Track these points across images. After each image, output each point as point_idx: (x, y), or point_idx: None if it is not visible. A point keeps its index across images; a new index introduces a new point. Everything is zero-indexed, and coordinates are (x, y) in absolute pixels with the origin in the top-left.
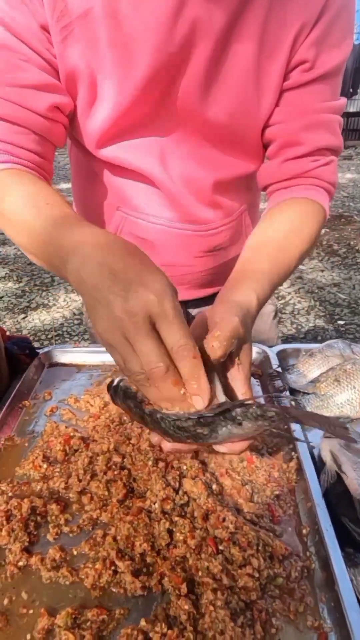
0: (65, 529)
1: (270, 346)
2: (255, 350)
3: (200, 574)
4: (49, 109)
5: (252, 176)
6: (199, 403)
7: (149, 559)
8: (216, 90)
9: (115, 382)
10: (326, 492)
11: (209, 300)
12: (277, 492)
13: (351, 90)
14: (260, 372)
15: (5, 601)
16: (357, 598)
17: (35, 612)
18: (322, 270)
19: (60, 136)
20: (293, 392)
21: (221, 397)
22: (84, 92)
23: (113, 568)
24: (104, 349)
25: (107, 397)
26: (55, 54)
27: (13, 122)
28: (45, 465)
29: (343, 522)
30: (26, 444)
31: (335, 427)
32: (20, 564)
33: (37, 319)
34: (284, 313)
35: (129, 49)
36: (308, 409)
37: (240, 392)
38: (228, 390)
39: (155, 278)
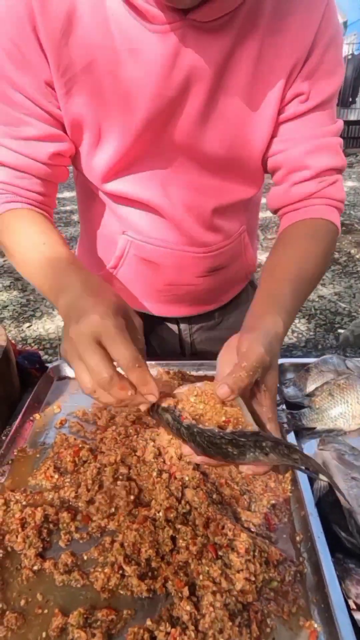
0: (76, 536)
1: None
2: None
3: (201, 577)
4: (51, 157)
5: (251, 199)
6: (152, 398)
7: (153, 564)
8: (212, 125)
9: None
10: (319, 502)
11: (211, 315)
12: (273, 502)
13: (350, 99)
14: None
15: (22, 602)
16: (345, 599)
17: (50, 612)
18: (323, 279)
19: (62, 176)
20: (290, 405)
21: (249, 419)
22: (88, 137)
23: (121, 572)
24: None
25: (114, 410)
26: (60, 105)
27: (16, 168)
28: (56, 476)
29: (334, 529)
30: (38, 455)
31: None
32: (35, 568)
33: (42, 328)
34: None
35: (129, 96)
36: (304, 422)
37: (266, 417)
38: (254, 415)
39: (103, 302)
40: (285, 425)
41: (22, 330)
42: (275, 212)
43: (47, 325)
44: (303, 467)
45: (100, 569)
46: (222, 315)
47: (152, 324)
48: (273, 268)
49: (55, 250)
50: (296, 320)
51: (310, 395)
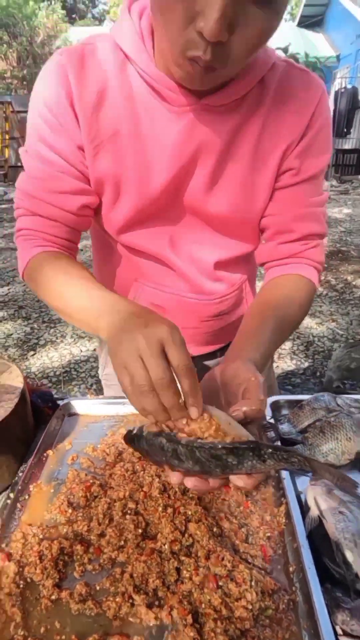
0: (89, 567)
1: (269, 396)
2: None
3: (203, 606)
4: (79, 208)
5: (251, 253)
6: (194, 413)
7: (160, 593)
8: (218, 190)
9: (136, 430)
10: (310, 535)
11: (213, 354)
12: (268, 534)
13: (345, 130)
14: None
15: (42, 629)
16: (332, 626)
17: (67, 639)
18: (321, 306)
19: (87, 225)
20: (285, 441)
21: (242, 431)
22: (109, 193)
23: (131, 601)
24: (117, 400)
25: (121, 446)
26: (88, 166)
27: (50, 218)
28: (69, 510)
29: (324, 561)
30: (52, 490)
31: (344, 481)
32: (53, 597)
33: (46, 356)
34: (284, 349)
35: (148, 162)
36: None
37: (257, 400)
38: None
39: (166, 319)
40: None
41: (27, 358)
42: (262, 265)
43: (51, 354)
44: (297, 468)
45: (112, 598)
46: (223, 354)
47: None
48: (256, 311)
49: (92, 282)
50: (294, 348)
51: (303, 431)
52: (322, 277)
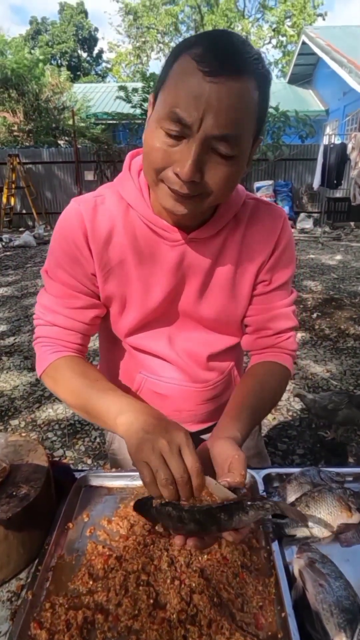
0: (109, 635)
1: (261, 468)
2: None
3: None
4: (91, 319)
5: (237, 343)
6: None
7: None
8: (205, 300)
9: (145, 500)
10: (296, 604)
11: (207, 430)
12: (260, 603)
13: (335, 181)
14: (249, 493)
15: None
16: None
17: None
18: (315, 355)
19: (95, 330)
20: (274, 514)
21: (229, 494)
22: (116, 307)
23: None
24: (127, 473)
25: (132, 519)
26: (99, 287)
27: (66, 328)
28: (90, 582)
29: (307, 628)
30: (73, 562)
31: (300, 516)
32: None
33: (51, 408)
34: (280, 401)
35: (148, 283)
36: (286, 530)
37: (239, 474)
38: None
39: (181, 427)
40: (271, 535)
41: (32, 410)
42: (247, 351)
43: (56, 406)
44: (272, 512)
45: None
46: None
47: None
48: (237, 396)
49: (107, 384)
50: (291, 399)
51: (291, 505)
52: (316, 326)
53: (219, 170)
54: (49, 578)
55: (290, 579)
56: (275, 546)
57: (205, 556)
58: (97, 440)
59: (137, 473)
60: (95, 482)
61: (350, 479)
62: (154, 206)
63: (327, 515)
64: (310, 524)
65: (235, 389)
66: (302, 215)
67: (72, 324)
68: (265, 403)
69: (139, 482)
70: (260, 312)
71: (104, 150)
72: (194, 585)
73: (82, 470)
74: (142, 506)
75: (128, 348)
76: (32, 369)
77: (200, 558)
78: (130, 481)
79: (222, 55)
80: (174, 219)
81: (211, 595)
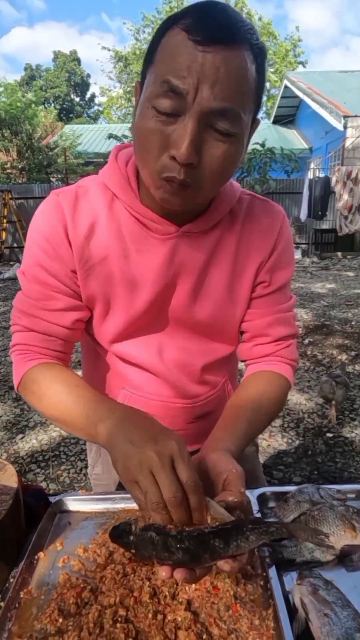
0: None
1: (256, 487)
2: None
3: None
4: (73, 323)
5: (233, 353)
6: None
7: None
8: (199, 302)
9: (123, 526)
10: (297, 638)
11: (194, 452)
12: None
13: (320, 213)
14: (244, 516)
15: None
16: None
17: None
18: (309, 381)
19: (79, 336)
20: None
21: (225, 514)
22: (99, 309)
23: None
24: (107, 496)
25: (112, 547)
26: (80, 285)
27: (45, 333)
28: (60, 619)
29: None
30: (42, 597)
31: (317, 538)
32: None
33: (35, 439)
34: (274, 426)
35: (134, 282)
36: (284, 554)
37: (238, 491)
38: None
39: (174, 433)
40: (268, 560)
41: (15, 441)
42: (242, 361)
43: (40, 436)
44: (277, 537)
45: None
46: None
47: None
48: (232, 405)
49: (88, 389)
50: (285, 425)
51: None
52: (309, 352)
53: (219, 149)
54: (12, 617)
55: (291, 609)
56: (272, 572)
57: (193, 586)
58: (83, 471)
59: (119, 495)
60: (71, 506)
61: (353, 496)
62: (142, 197)
63: (330, 537)
64: (311, 546)
65: (230, 399)
66: None
67: (52, 328)
68: (262, 416)
69: (121, 505)
70: (258, 316)
71: None
72: (179, 620)
73: (56, 494)
74: (120, 533)
75: (112, 361)
76: (17, 399)
77: (187, 588)
78: (111, 504)
79: (215, 24)
80: (166, 211)
81: (199, 632)
